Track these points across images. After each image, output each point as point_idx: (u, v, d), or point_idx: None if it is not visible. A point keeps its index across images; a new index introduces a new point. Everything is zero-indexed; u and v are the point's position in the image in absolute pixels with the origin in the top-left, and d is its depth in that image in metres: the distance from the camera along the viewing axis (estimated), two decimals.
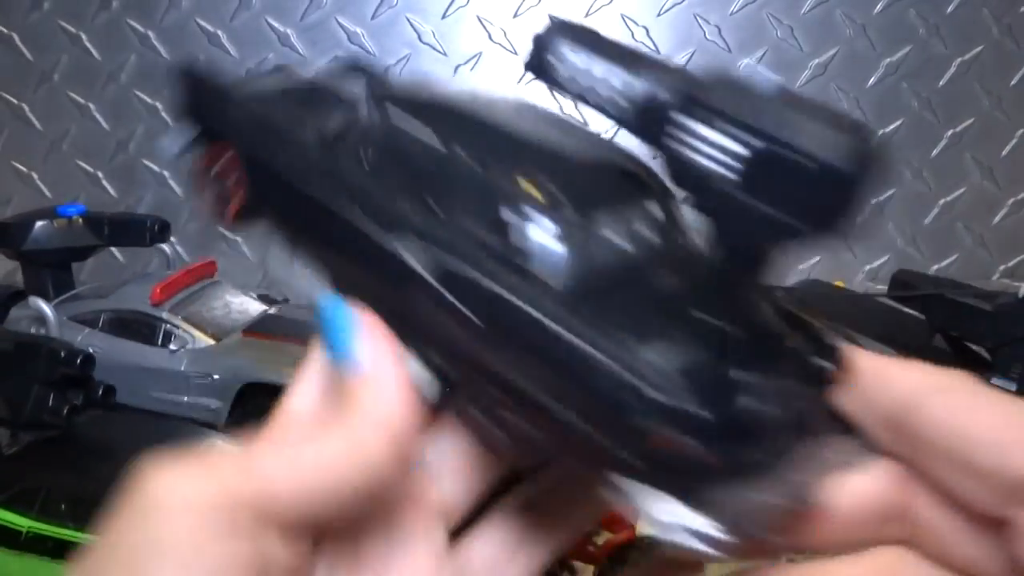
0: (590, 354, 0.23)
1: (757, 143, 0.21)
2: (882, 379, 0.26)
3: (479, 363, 0.25)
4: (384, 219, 0.27)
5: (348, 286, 0.29)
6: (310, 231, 0.29)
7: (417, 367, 0.27)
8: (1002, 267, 1.50)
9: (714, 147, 0.22)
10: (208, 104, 0.33)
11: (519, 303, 0.24)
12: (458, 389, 0.27)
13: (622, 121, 0.24)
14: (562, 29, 0.26)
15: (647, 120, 0.23)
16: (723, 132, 0.22)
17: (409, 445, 0.27)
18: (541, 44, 0.26)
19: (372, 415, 0.26)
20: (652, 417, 0.22)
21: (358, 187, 0.28)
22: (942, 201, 1.48)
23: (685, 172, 0.22)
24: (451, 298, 0.25)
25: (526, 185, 0.25)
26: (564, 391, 0.23)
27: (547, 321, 0.23)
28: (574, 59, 0.25)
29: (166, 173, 1.45)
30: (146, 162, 1.45)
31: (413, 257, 0.25)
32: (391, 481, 0.27)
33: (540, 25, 0.26)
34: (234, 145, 0.31)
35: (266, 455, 0.26)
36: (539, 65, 0.26)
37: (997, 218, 1.49)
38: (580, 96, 0.25)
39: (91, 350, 0.91)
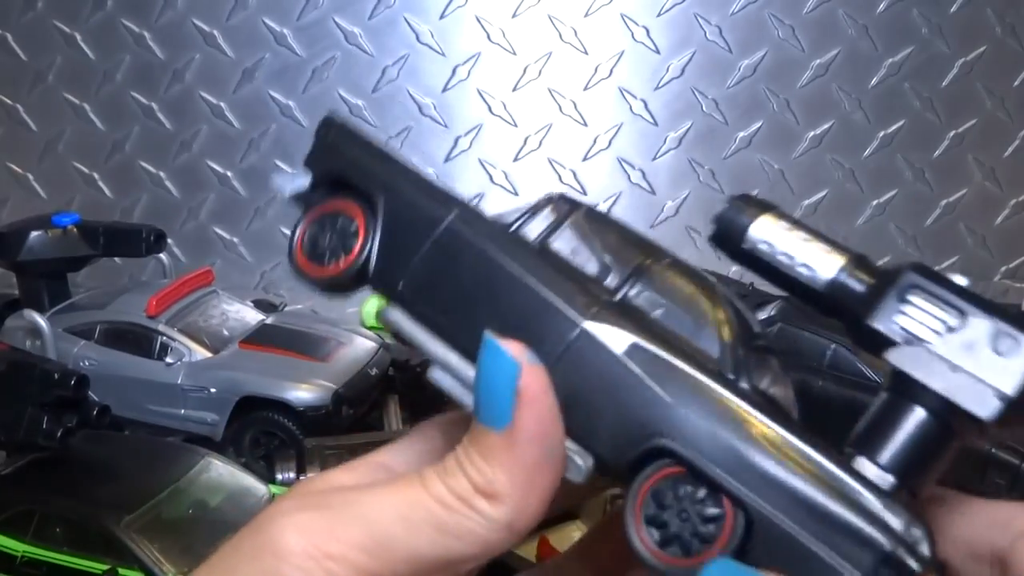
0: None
1: None
2: (977, 522, 0.28)
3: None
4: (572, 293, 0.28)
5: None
6: (470, 303, 0.29)
7: (574, 446, 0.27)
8: (1003, 268, 1.49)
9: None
10: (354, 159, 0.32)
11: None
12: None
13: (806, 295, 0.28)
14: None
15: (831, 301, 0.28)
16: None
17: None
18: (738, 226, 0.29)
19: (520, 507, 0.26)
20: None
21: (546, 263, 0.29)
22: (944, 202, 1.47)
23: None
24: (639, 371, 0.27)
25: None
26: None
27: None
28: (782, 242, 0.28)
29: (162, 174, 1.44)
30: (142, 163, 1.44)
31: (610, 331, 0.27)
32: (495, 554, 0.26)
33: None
34: (376, 206, 0.31)
35: (384, 512, 0.26)
36: (735, 245, 0.29)
37: (999, 219, 1.48)
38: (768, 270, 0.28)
39: (86, 363, 0.90)
